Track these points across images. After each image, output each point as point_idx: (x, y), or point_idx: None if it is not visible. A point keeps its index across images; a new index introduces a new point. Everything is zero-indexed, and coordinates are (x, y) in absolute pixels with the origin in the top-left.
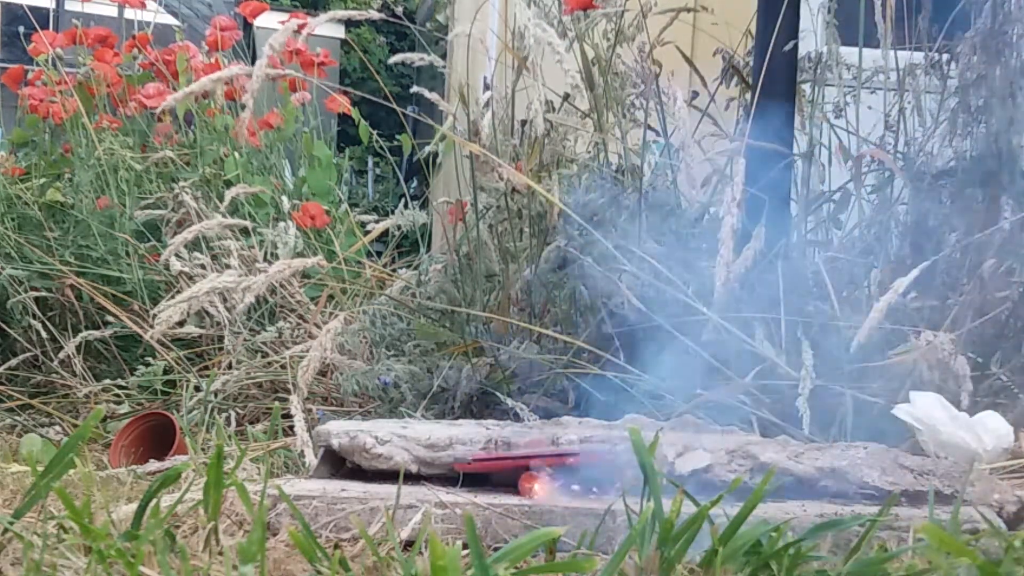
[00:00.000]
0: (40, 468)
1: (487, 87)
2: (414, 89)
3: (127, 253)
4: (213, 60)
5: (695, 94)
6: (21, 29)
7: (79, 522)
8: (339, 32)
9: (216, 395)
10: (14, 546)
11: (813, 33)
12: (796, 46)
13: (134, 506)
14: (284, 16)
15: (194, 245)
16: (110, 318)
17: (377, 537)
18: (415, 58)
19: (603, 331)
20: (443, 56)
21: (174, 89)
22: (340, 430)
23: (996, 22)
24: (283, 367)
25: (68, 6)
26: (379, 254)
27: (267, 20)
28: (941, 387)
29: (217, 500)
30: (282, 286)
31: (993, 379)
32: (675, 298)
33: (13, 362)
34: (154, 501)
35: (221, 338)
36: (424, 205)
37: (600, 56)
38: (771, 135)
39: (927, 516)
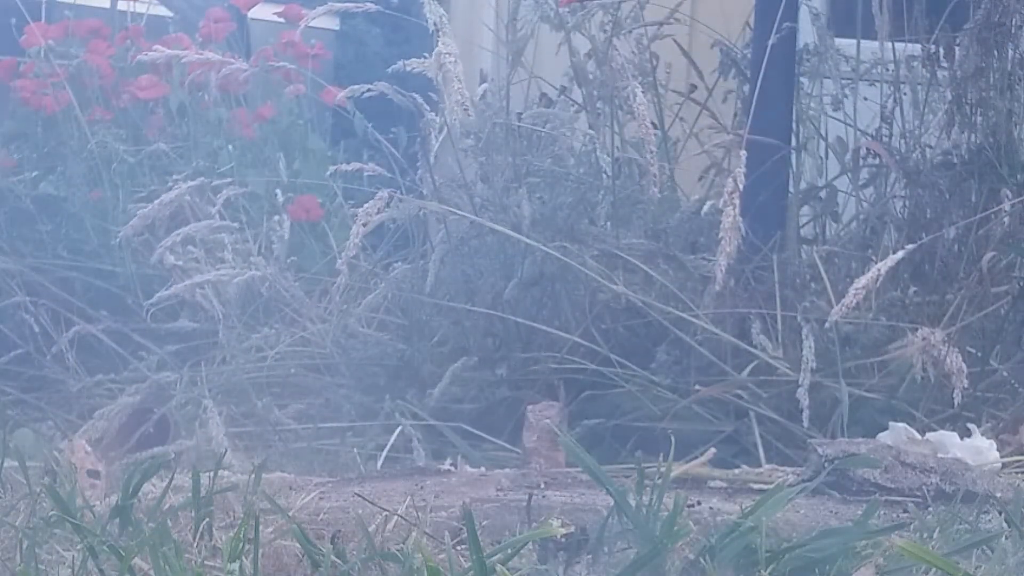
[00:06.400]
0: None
1: (483, 80)
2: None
3: (120, 247)
4: (207, 52)
5: (693, 87)
6: (13, 21)
7: (69, 517)
8: (334, 24)
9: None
10: (6, 544)
11: (811, 25)
12: (793, 35)
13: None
14: (279, 7)
15: (188, 239)
16: (103, 312)
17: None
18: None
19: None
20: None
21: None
22: None
23: (995, 13)
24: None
25: None
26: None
27: (261, 11)
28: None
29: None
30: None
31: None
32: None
33: (4, 358)
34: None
35: (215, 332)
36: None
37: (596, 48)
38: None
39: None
